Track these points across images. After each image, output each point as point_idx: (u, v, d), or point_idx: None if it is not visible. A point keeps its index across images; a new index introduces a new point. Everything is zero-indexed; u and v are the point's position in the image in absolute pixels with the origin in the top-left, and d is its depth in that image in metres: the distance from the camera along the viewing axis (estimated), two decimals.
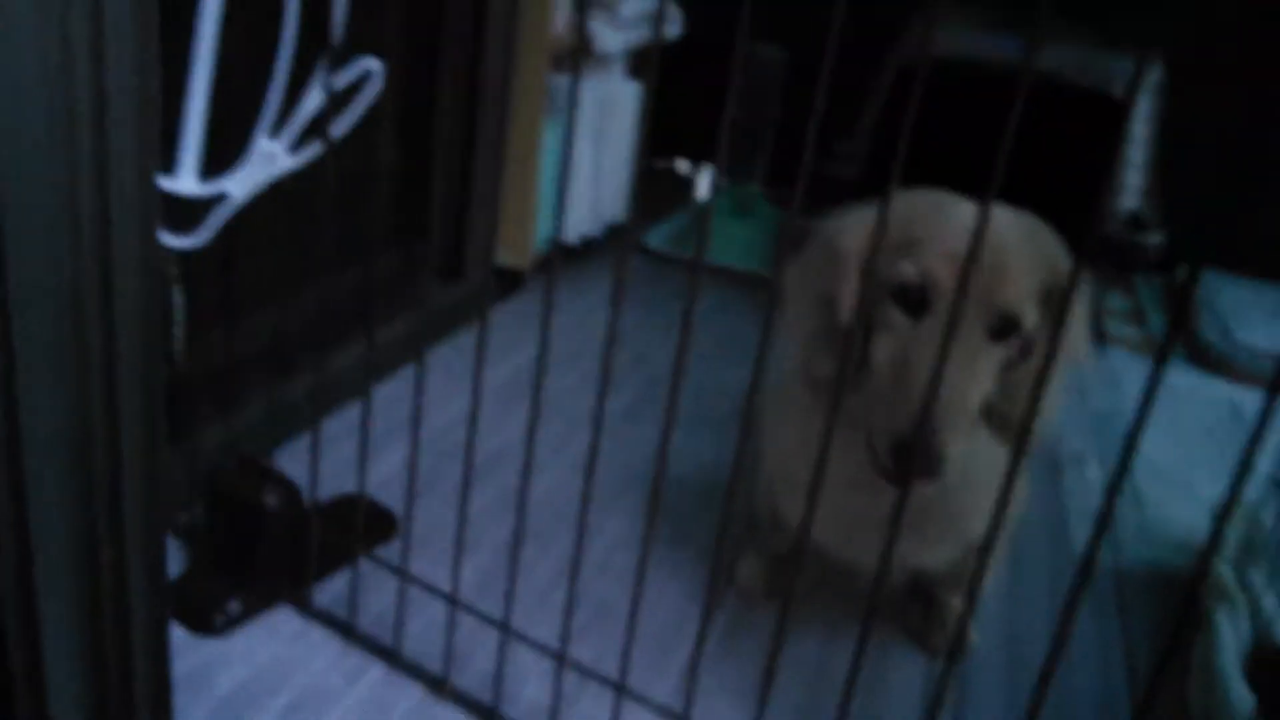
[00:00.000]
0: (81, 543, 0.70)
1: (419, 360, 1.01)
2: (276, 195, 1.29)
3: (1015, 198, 0.99)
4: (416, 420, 1.01)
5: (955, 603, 1.29)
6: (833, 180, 2.35)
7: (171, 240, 1.03)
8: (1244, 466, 0.69)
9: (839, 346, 1.02)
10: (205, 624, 1.10)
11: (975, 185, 1.54)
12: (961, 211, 1.02)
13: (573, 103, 0.88)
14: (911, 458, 0.90)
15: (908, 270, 0.99)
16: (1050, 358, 0.75)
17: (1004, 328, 0.99)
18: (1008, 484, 0.77)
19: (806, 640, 1.26)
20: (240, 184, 1.02)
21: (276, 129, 1.08)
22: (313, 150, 1.10)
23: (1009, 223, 1.02)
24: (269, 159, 1.07)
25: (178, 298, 1.25)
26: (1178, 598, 1.46)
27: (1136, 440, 0.72)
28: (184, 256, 1.19)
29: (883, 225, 0.80)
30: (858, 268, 1.04)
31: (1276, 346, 2.29)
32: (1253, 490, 1.64)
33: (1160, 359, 0.69)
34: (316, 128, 1.09)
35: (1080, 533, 1.58)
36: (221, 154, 1.07)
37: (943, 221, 1.01)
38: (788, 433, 1.19)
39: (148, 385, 0.71)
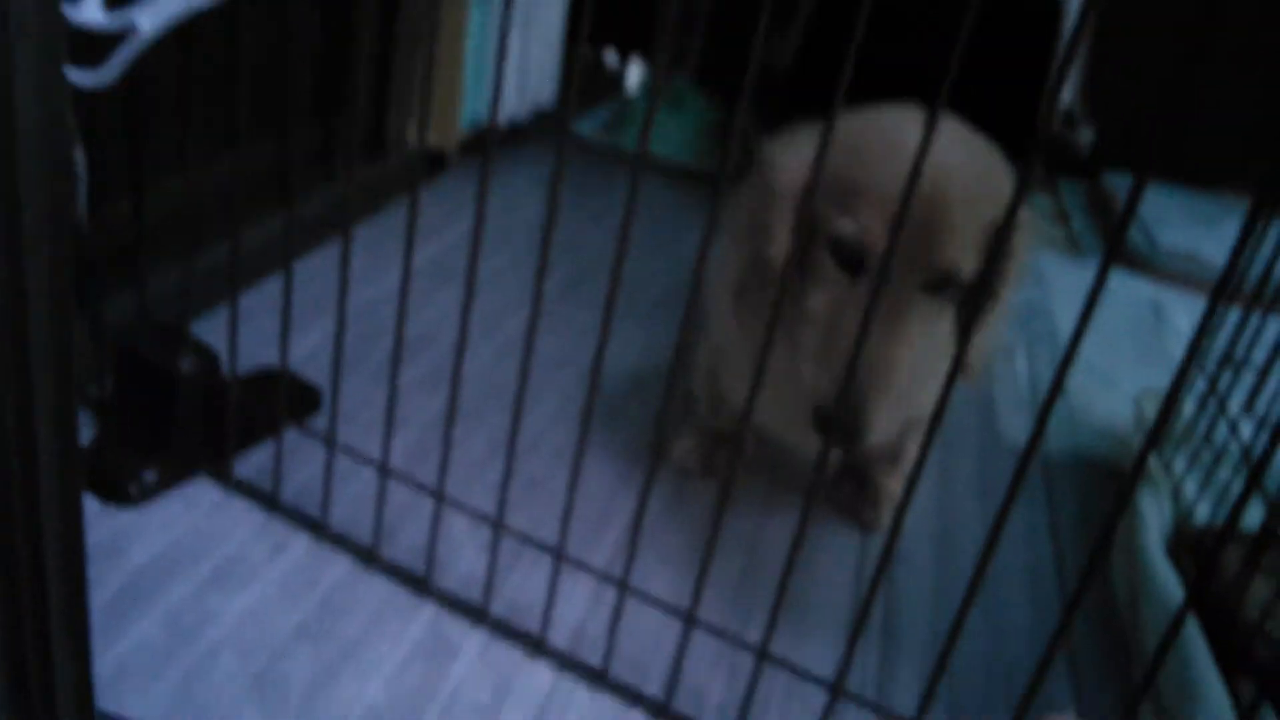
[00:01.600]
0: None
1: (345, 232, 0.95)
2: (186, 54, 1.21)
3: (950, 95, 0.97)
4: (343, 289, 0.96)
5: (887, 480, 1.29)
6: (765, 70, 2.31)
7: (76, 76, 0.94)
8: (1184, 369, 0.69)
9: (770, 283, 0.98)
10: (120, 494, 1.05)
11: (910, 81, 1.51)
12: (909, 149, 0.98)
13: None
14: (831, 428, 0.88)
15: (846, 228, 0.96)
16: (984, 294, 0.74)
17: (941, 283, 0.98)
18: (946, 388, 0.76)
19: (742, 515, 1.25)
20: (151, 17, 0.94)
21: None
22: None
23: (958, 161, 0.98)
24: None
25: (80, 156, 1.17)
26: (1101, 480, 1.49)
27: (1076, 349, 0.71)
28: (87, 113, 1.10)
29: (818, 165, 0.77)
30: (793, 209, 1.00)
31: (1196, 249, 2.33)
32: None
33: (1103, 268, 0.68)
34: None
35: (1007, 418, 1.60)
36: None
37: (886, 165, 0.96)
38: (729, 328, 1.16)
39: (54, 244, 0.65)
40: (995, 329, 1.11)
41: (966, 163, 0.99)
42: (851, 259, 0.97)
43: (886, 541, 0.80)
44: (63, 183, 0.65)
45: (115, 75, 0.96)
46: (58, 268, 0.66)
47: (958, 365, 0.75)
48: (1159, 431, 0.71)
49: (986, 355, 1.19)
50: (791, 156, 1.02)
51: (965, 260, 0.97)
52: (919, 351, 1.03)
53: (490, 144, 0.85)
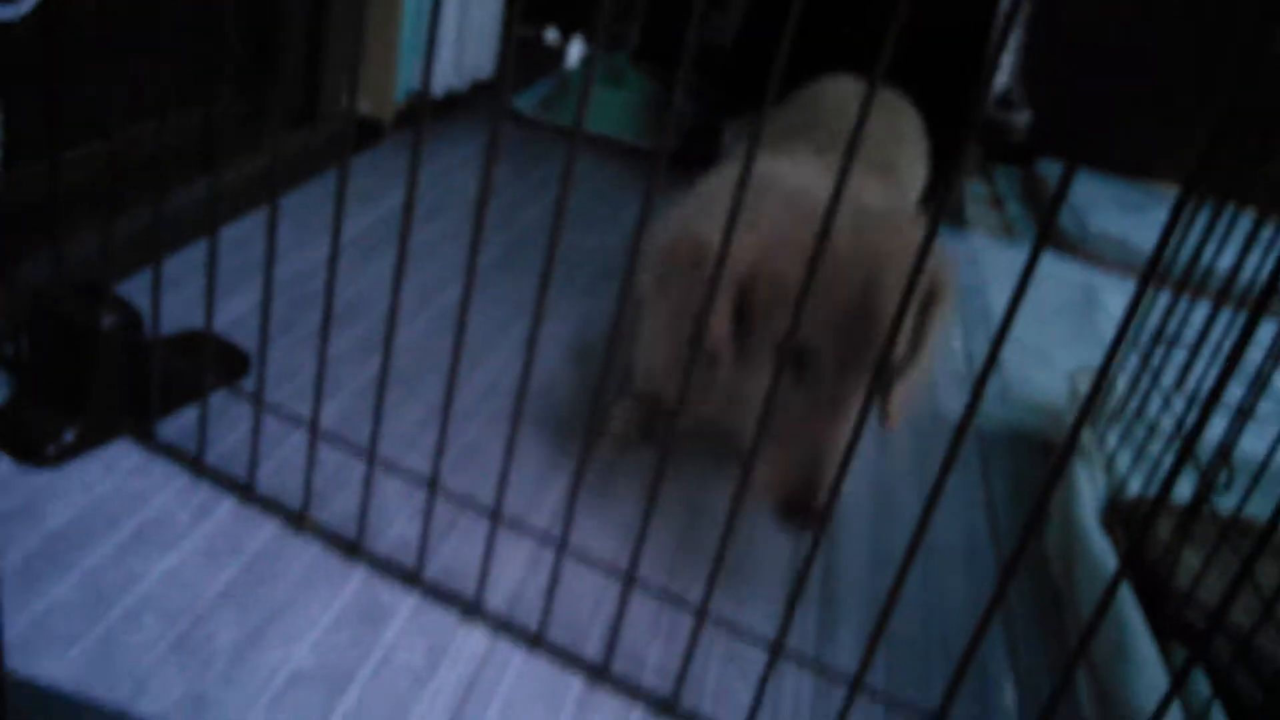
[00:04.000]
0: None
1: (271, 196, 0.92)
2: (107, 13, 1.16)
3: (889, 73, 0.96)
4: (271, 249, 0.92)
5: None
6: (705, 48, 2.30)
7: None
8: (1116, 343, 0.70)
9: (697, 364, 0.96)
10: (35, 454, 1.00)
11: (849, 57, 1.50)
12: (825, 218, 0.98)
13: None
14: (804, 514, 0.92)
15: (805, 336, 0.95)
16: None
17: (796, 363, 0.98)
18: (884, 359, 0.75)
19: (680, 483, 1.23)
20: None
21: None
22: None
23: (884, 236, 0.97)
24: None
25: None
26: (1035, 454, 1.50)
27: (1009, 326, 0.71)
28: (2, 66, 1.06)
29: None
30: (730, 294, 0.98)
31: (1126, 235, 2.37)
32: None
33: (1035, 251, 0.69)
34: None
35: (944, 393, 1.60)
36: None
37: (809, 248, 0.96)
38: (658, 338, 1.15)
39: None
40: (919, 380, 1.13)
41: (893, 229, 0.98)
42: (799, 360, 0.97)
43: (823, 510, 0.80)
44: None
45: (29, 9, 0.92)
46: None
47: (888, 349, 0.74)
48: (1092, 404, 0.72)
49: (907, 403, 1.21)
50: (728, 229, 0.99)
51: (904, 344, 0.99)
52: None
53: (424, 114, 0.83)
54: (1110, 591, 0.74)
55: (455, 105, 2.26)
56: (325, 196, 1.72)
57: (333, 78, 1.87)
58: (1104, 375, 0.71)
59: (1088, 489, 1.32)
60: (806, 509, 0.92)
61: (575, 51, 2.85)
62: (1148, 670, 1.02)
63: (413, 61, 2.02)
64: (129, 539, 0.96)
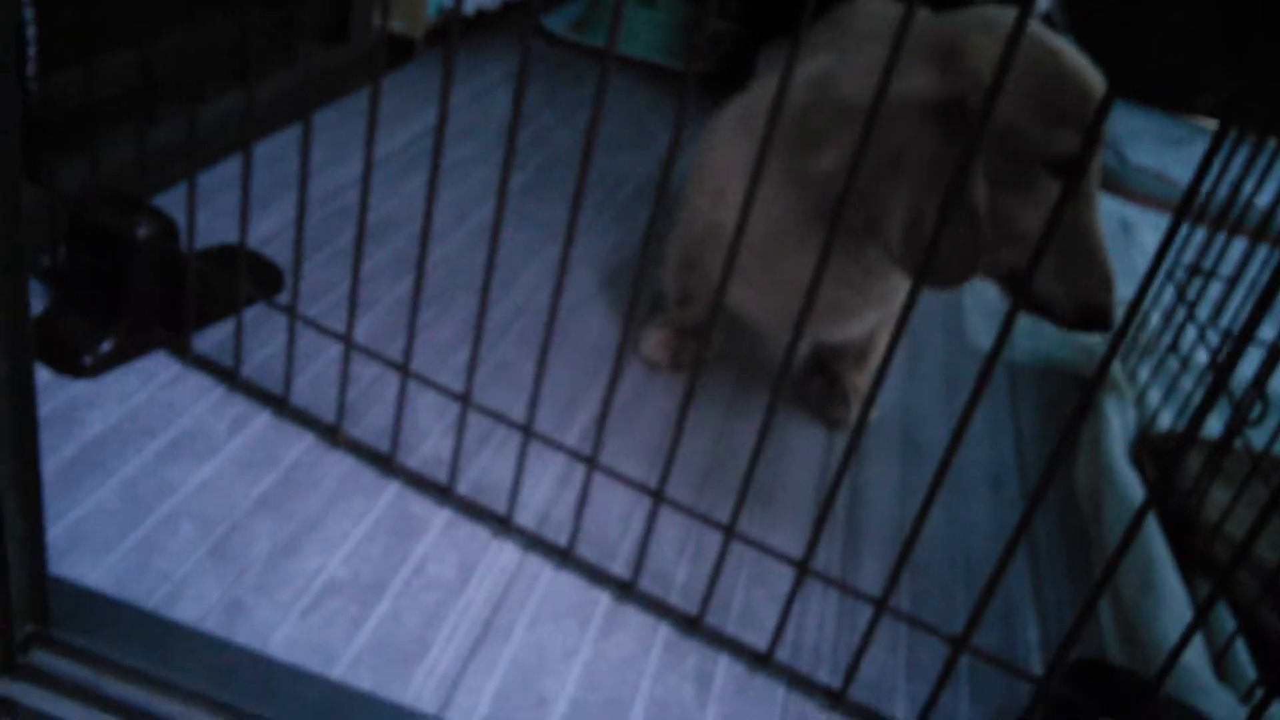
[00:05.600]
0: None
1: (305, 112, 0.92)
2: None
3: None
4: (304, 165, 0.92)
5: (855, 378, 1.28)
6: None
7: None
8: (1150, 275, 0.69)
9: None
10: (73, 364, 1.01)
11: None
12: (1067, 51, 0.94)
13: None
14: (1102, 321, 0.93)
15: (1069, 142, 0.90)
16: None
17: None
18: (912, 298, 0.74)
19: (710, 409, 1.24)
20: None
21: None
22: None
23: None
24: None
25: (29, 16, 1.12)
26: (1064, 385, 1.49)
27: (1040, 258, 0.70)
28: None
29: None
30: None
31: (1165, 168, 2.32)
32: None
33: (1068, 186, 0.68)
34: None
35: (974, 323, 1.59)
36: None
37: (1065, 73, 0.92)
38: (733, 176, 1.11)
39: (3, 105, 0.61)
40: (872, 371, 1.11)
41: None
42: (1068, 167, 0.92)
43: (852, 436, 0.80)
44: (13, 42, 0.61)
45: None
46: (6, 129, 0.62)
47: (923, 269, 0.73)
48: (1124, 335, 0.71)
49: (862, 396, 1.23)
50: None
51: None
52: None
53: (453, 32, 0.82)
54: (1138, 521, 0.74)
55: (486, 23, 2.23)
56: (357, 114, 1.71)
57: None
58: (1137, 307, 0.70)
59: (1117, 422, 1.32)
60: (1104, 315, 0.93)
61: None
62: (1172, 603, 1.02)
63: None
64: (166, 448, 0.97)
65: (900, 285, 1.11)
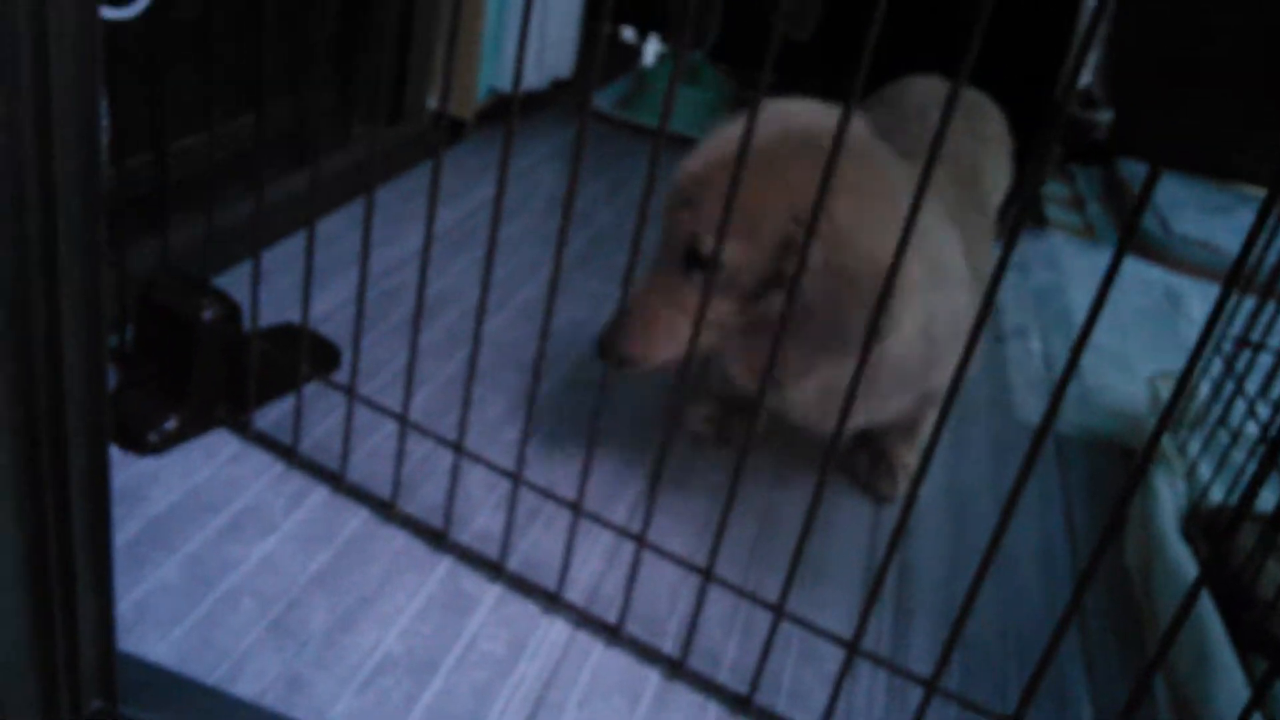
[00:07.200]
0: (21, 366, 0.64)
1: (368, 190, 0.96)
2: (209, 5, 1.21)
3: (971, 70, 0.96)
4: (365, 244, 0.95)
5: (902, 452, 1.29)
6: (785, 44, 2.30)
7: (108, 11, 0.94)
8: (1200, 346, 0.69)
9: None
10: (139, 441, 1.05)
11: (932, 55, 1.50)
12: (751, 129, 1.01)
13: None
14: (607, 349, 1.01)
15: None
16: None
17: (691, 259, 1.00)
18: (967, 352, 0.75)
19: (756, 483, 1.25)
20: None
21: None
22: None
23: (766, 145, 0.98)
24: None
25: (104, 106, 1.17)
26: (1113, 458, 1.49)
27: (1089, 332, 0.71)
28: (109, 62, 1.10)
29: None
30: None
31: (1211, 236, 2.32)
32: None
33: (1118, 256, 0.69)
34: None
35: (1022, 398, 1.59)
36: None
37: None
38: None
39: (86, 191, 0.65)
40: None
41: (777, 148, 0.99)
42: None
43: (902, 512, 0.80)
44: (95, 130, 0.64)
45: (142, 8, 0.96)
46: (89, 215, 0.66)
47: (970, 349, 0.75)
48: (1174, 409, 0.71)
49: (909, 471, 1.26)
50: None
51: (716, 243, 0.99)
52: (932, 339, 1.05)
53: (514, 109, 0.85)
54: (1192, 596, 0.73)
55: (535, 104, 2.29)
56: (408, 194, 1.76)
57: (418, 77, 1.91)
58: (1187, 379, 0.71)
59: (1168, 496, 1.31)
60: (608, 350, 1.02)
61: (652, 49, 2.86)
62: (1229, 680, 1.01)
63: (494, 62, 2.05)
64: (227, 525, 1.00)
65: (940, 360, 1.12)
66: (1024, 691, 0.79)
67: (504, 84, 2.07)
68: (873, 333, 0.79)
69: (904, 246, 0.74)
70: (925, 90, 1.47)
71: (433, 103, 1.94)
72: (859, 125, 1.03)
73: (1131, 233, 0.70)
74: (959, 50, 0.68)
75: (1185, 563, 1.18)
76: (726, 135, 1.04)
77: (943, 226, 1.13)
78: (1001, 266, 0.72)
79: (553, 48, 2.26)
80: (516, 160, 2.03)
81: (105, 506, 0.73)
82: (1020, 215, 0.72)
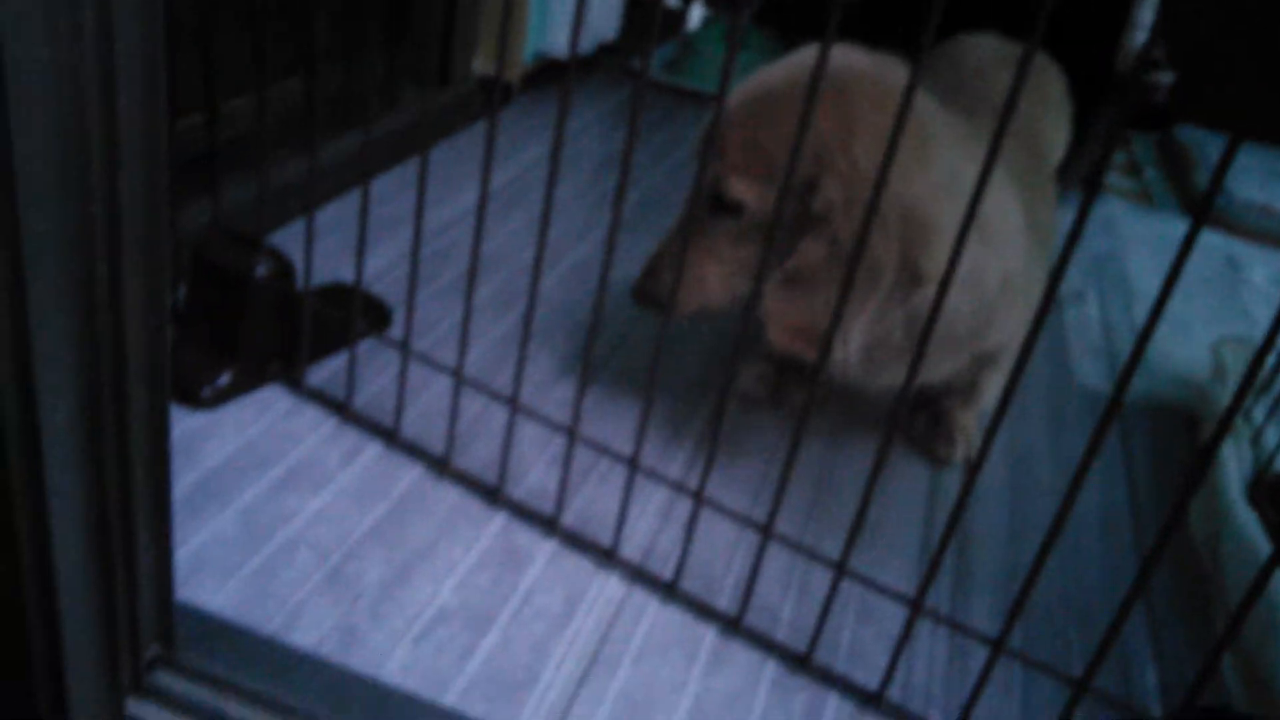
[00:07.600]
0: (84, 324, 0.63)
1: (422, 150, 0.95)
2: None
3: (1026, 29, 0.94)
4: (420, 203, 0.94)
5: (961, 416, 1.26)
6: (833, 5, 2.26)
7: None
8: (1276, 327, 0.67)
9: None
10: (192, 396, 1.05)
11: (986, 13, 1.46)
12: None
13: None
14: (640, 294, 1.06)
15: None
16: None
17: (717, 203, 0.99)
18: (1034, 329, 0.73)
19: (811, 445, 1.23)
20: None
21: None
22: None
23: (785, 87, 0.99)
24: None
25: None
26: (1175, 425, 1.45)
27: (1163, 306, 0.69)
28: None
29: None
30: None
31: (1271, 201, 2.26)
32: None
33: (1192, 233, 0.67)
34: None
35: (1081, 363, 1.56)
36: None
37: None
38: None
39: (150, 151, 0.64)
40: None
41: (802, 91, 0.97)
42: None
43: (967, 476, 0.78)
44: (158, 93, 0.64)
45: None
46: (153, 170, 0.65)
47: (1044, 310, 0.72)
48: (1252, 380, 0.69)
49: (968, 434, 1.25)
50: None
51: (740, 186, 0.97)
52: (986, 301, 1.03)
53: (570, 71, 0.83)
54: (1265, 573, 0.71)
55: (581, 68, 2.27)
56: (457, 156, 1.75)
57: (464, 42, 1.89)
58: (1268, 348, 0.68)
59: (1233, 463, 1.28)
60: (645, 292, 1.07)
61: (697, 13, 2.83)
62: None
63: (540, 25, 2.03)
64: (282, 478, 0.99)
65: (1003, 319, 1.09)
66: (1093, 654, 0.77)
67: (550, 48, 2.05)
68: (914, 275, 0.76)
69: (935, 192, 0.72)
70: (984, 48, 1.44)
71: (478, 66, 1.92)
72: (898, 72, 1.01)
73: (1207, 207, 0.67)
74: (1024, 9, 0.65)
75: (1253, 530, 1.15)
76: (758, 79, 1.02)
77: (1001, 186, 1.10)
78: (1073, 239, 0.70)
79: (598, 12, 2.23)
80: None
81: (165, 460, 0.72)
82: (1093, 187, 0.69)
